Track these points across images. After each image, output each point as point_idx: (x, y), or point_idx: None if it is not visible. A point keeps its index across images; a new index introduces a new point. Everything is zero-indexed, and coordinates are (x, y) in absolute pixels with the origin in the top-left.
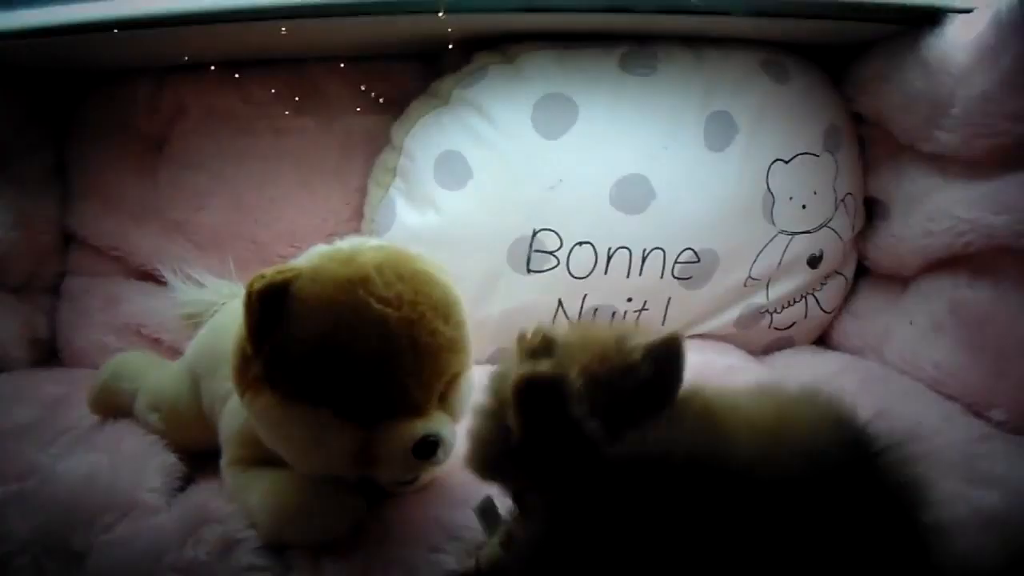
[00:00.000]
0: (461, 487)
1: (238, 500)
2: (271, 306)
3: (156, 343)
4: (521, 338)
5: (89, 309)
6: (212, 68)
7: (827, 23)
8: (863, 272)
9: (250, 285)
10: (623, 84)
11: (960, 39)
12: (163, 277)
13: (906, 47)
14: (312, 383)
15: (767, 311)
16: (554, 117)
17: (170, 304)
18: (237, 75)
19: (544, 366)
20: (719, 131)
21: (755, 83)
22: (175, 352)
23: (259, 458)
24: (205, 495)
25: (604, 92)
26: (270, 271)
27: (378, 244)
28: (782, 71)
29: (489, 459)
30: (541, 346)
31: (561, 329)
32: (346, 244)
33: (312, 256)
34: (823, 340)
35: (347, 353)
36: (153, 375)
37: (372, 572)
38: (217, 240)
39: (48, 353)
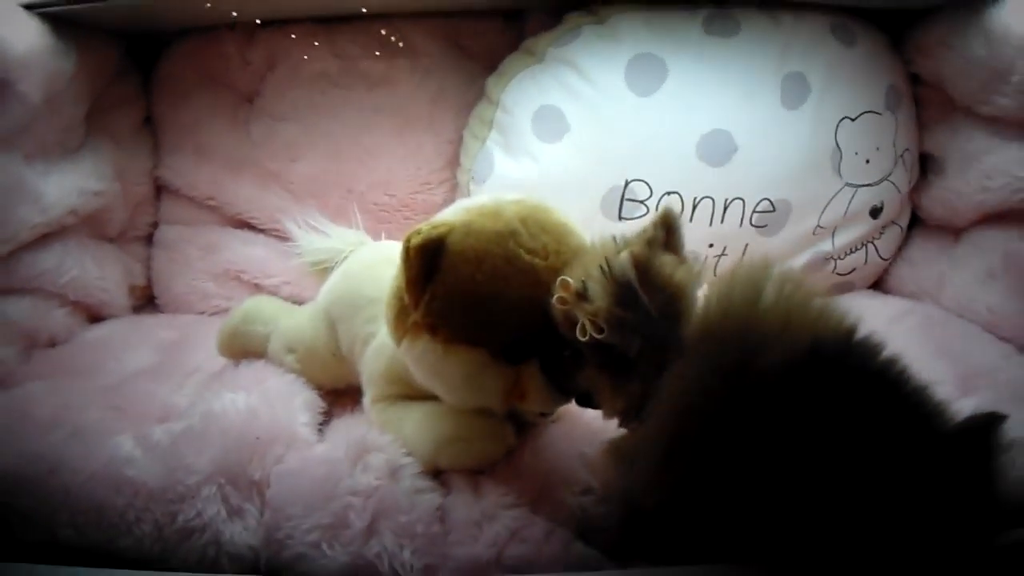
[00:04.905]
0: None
1: (391, 431)
2: (428, 259)
3: (256, 288)
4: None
5: (187, 257)
6: (302, 22)
7: None
8: (916, 222)
9: (407, 240)
10: (706, 46)
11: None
12: (260, 224)
13: (969, 16)
14: (469, 327)
15: (832, 257)
16: (646, 75)
17: (295, 253)
18: (327, 29)
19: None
20: (794, 91)
21: (826, 45)
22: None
23: (404, 394)
24: (357, 427)
25: (690, 53)
26: (424, 227)
27: (516, 198)
28: (850, 34)
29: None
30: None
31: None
32: (487, 199)
33: (457, 211)
34: (878, 285)
35: (501, 300)
36: (285, 318)
37: (534, 493)
38: (313, 189)
39: (145, 300)
